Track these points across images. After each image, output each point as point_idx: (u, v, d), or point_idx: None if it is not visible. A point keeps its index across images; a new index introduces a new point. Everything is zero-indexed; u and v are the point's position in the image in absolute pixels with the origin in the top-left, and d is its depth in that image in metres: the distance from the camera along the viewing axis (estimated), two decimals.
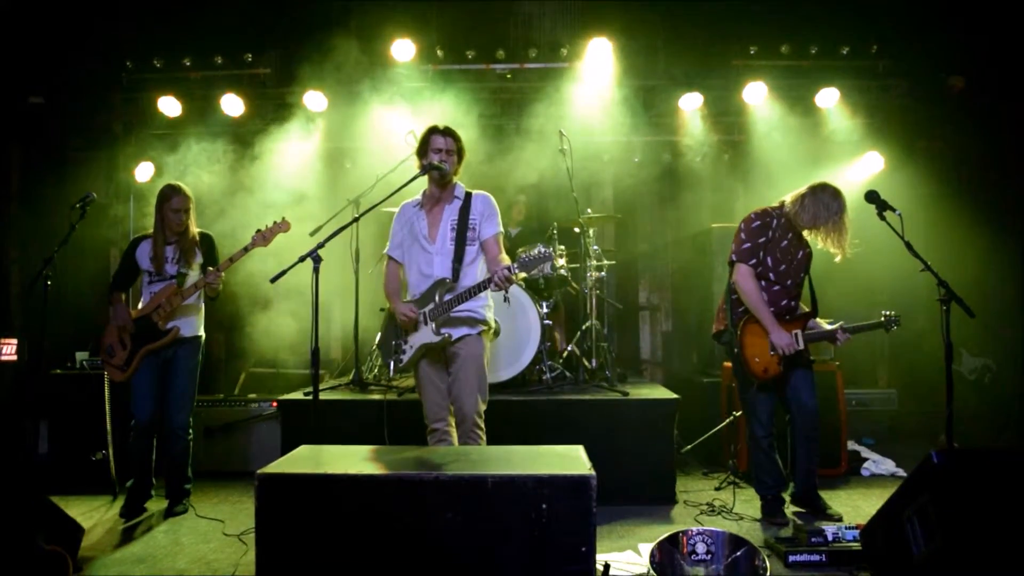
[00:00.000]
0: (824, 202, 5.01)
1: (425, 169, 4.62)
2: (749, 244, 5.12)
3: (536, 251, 4.27)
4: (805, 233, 5.20)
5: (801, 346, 5.07)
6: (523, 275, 4.37)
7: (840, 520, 5.08)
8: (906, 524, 3.64)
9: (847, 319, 5.27)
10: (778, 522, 5.23)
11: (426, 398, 4.77)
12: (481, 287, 4.44)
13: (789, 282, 5.15)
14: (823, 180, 5.12)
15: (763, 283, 5.13)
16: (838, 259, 5.10)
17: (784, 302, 5.15)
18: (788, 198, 5.19)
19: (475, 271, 4.71)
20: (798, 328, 5.10)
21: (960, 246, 7.14)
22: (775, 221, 5.15)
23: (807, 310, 5.28)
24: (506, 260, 4.56)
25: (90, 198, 5.60)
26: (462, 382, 4.59)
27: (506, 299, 6.10)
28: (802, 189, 5.13)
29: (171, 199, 5.53)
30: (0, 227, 7.85)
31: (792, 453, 5.28)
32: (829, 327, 5.14)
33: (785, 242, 5.14)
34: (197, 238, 5.66)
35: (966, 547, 3.34)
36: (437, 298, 4.55)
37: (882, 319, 5.12)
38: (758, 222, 5.15)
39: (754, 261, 5.11)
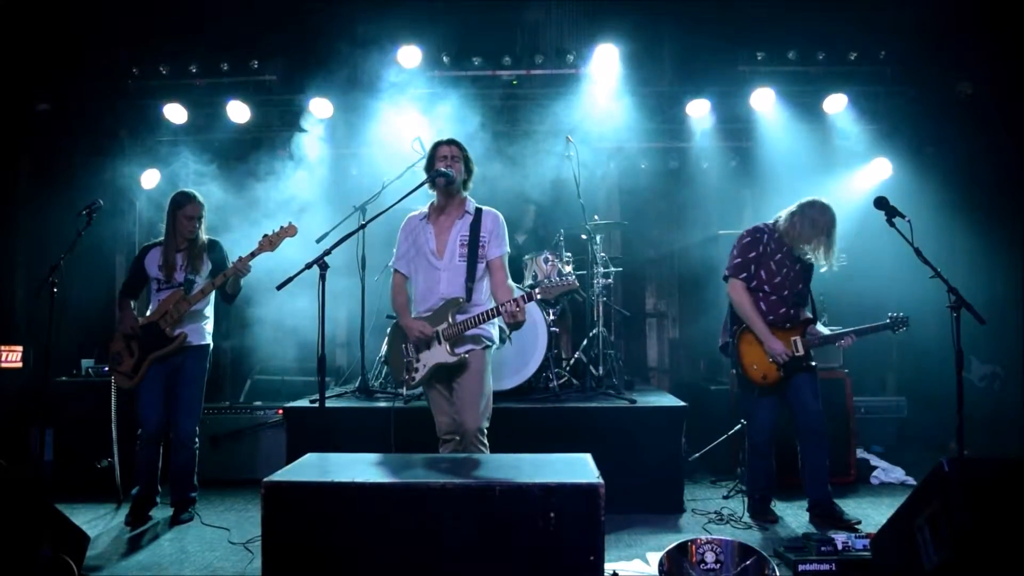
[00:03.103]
0: (811, 218, 5.26)
1: (431, 176, 4.61)
2: (740, 259, 5.42)
3: (558, 280, 4.34)
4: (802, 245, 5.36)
5: (800, 352, 5.30)
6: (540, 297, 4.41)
7: (859, 525, 5.13)
8: (917, 533, 3.61)
9: (856, 326, 5.29)
10: (769, 520, 5.44)
11: (437, 412, 4.78)
12: (496, 312, 4.45)
13: (786, 292, 5.38)
14: (813, 197, 5.34)
15: (760, 294, 5.39)
16: (823, 270, 5.35)
17: (783, 310, 5.39)
18: (782, 214, 5.43)
19: (484, 288, 4.71)
20: (797, 335, 5.34)
21: (969, 252, 7.10)
22: (766, 236, 5.43)
23: (810, 316, 5.47)
24: (512, 287, 4.62)
25: (96, 205, 5.61)
26: (464, 398, 4.57)
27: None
28: (792, 207, 5.38)
29: (184, 206, 5.54)
30: (7, 234, 7.86)
31: (800, 458, 5.42)
32: (829, 332, 5.38)
33: (779, 255, 5.39)
34: (206, 245, 5.66)
35: (977, 556, 3.31)
36: (451, 318, 4.53)
37: (888, 320, 5.32)
38: (748, 238, 5.45)
39: (745, 275, 5.37)
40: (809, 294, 5.52)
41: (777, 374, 5.26)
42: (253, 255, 5.36)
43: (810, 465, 5.34)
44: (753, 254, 5.37)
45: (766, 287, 5.36)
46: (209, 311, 5.72)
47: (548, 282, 4.36)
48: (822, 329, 5.40)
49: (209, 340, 5.70)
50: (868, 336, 5.39)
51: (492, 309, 4.45)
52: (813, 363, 5.36)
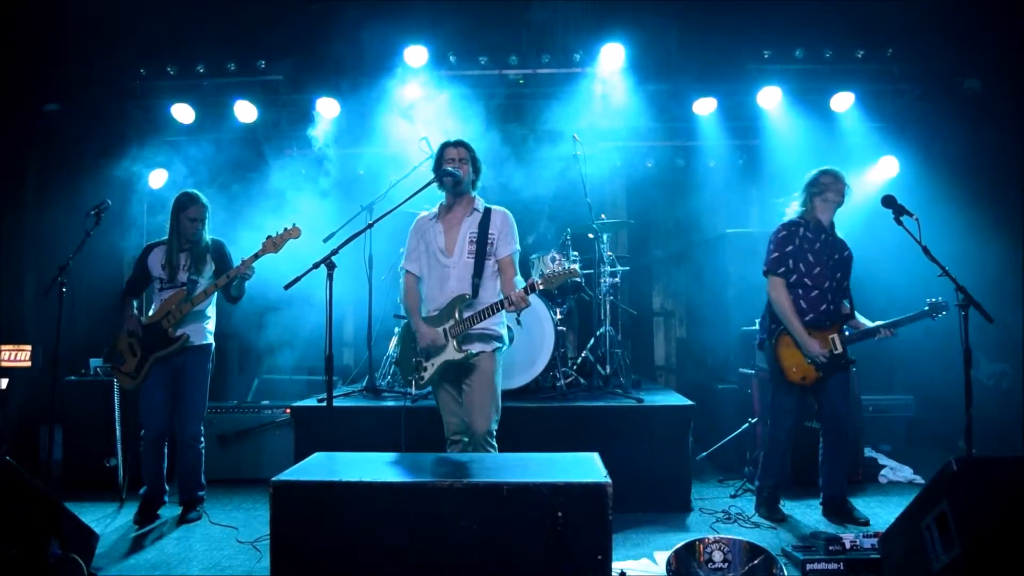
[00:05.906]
0: (827, 182, 5.30)
1: (439, 175, 4.64)
2: (777, 254, 5.31)
3: (561, 268, 4.37)
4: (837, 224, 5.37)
5: (839, 350, 5.22)
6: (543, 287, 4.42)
7: (867, 524, 5.15)
8: (924, 532, 3.60)
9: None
10: (777, 518, 5.40)
11: (445, 413, 4.80)
12: (502, 305, 4.48)
13: (827, 284, 5.28)
14: (812, 171, 5.42)
15: (800, 290, 5.28)
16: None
17: (824, 307, 5.29)
18: (798, 200, 5.44)
19: (493, 286, 4.72)
20: (835, 332, 5.25)
21: (978, 250, 7.07)
22: (801, 228, 5.32)
23: (849, 310, 5.42)
24: (521, 283, 4.62)
25: (105, 205, 5.63)
26: (473, 400, 4.58)
27: (518, 322, 6.10)
28: (802, 191, 5.42)
29: (188, 208, 5.53)
30: (15, 234, 7.89)
31: (821, 455, 5.42)
32: (870, 325, 5.29)
33: (818, 244, 5.31)
34: (210, 245, 5.67)
35: (985, 556, 3.30)
36: (457, 314, 4.55)
37: (927, 307, 5.17)
38: (784, 232, 5.36)
39: (783, 270, 5.27)
40: (848, 287, 5.45)
41: (816, 375, 5.21)
42: (256, 257, 5.38)
43: (830, 463, 5.35)
44: (790, 247, 5.29)
45: (807, 280, 5.28)
46: (211, 311, 5.72)
47: (549, 272, 4.40)
48: (864, 321, 5.34)
49: (211, 340, 5.70)
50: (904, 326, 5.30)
51: (497, 303, 4.48)
52: (853, 359, 5.32)
